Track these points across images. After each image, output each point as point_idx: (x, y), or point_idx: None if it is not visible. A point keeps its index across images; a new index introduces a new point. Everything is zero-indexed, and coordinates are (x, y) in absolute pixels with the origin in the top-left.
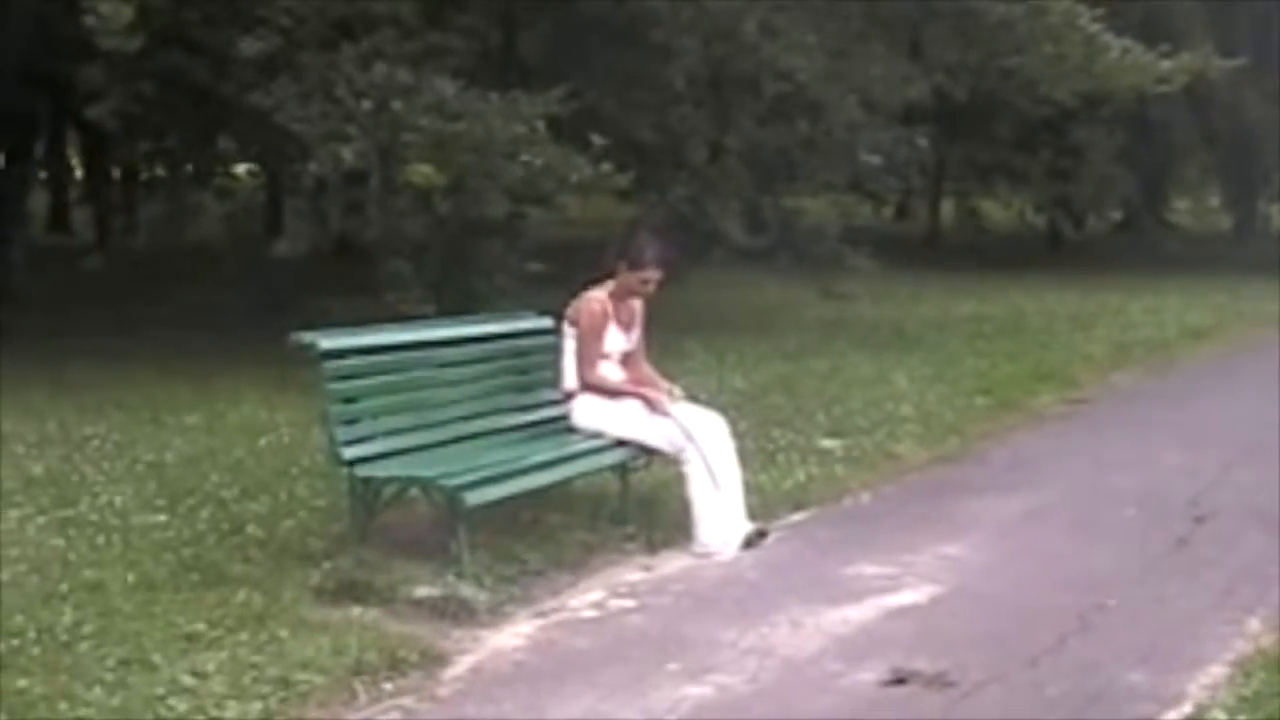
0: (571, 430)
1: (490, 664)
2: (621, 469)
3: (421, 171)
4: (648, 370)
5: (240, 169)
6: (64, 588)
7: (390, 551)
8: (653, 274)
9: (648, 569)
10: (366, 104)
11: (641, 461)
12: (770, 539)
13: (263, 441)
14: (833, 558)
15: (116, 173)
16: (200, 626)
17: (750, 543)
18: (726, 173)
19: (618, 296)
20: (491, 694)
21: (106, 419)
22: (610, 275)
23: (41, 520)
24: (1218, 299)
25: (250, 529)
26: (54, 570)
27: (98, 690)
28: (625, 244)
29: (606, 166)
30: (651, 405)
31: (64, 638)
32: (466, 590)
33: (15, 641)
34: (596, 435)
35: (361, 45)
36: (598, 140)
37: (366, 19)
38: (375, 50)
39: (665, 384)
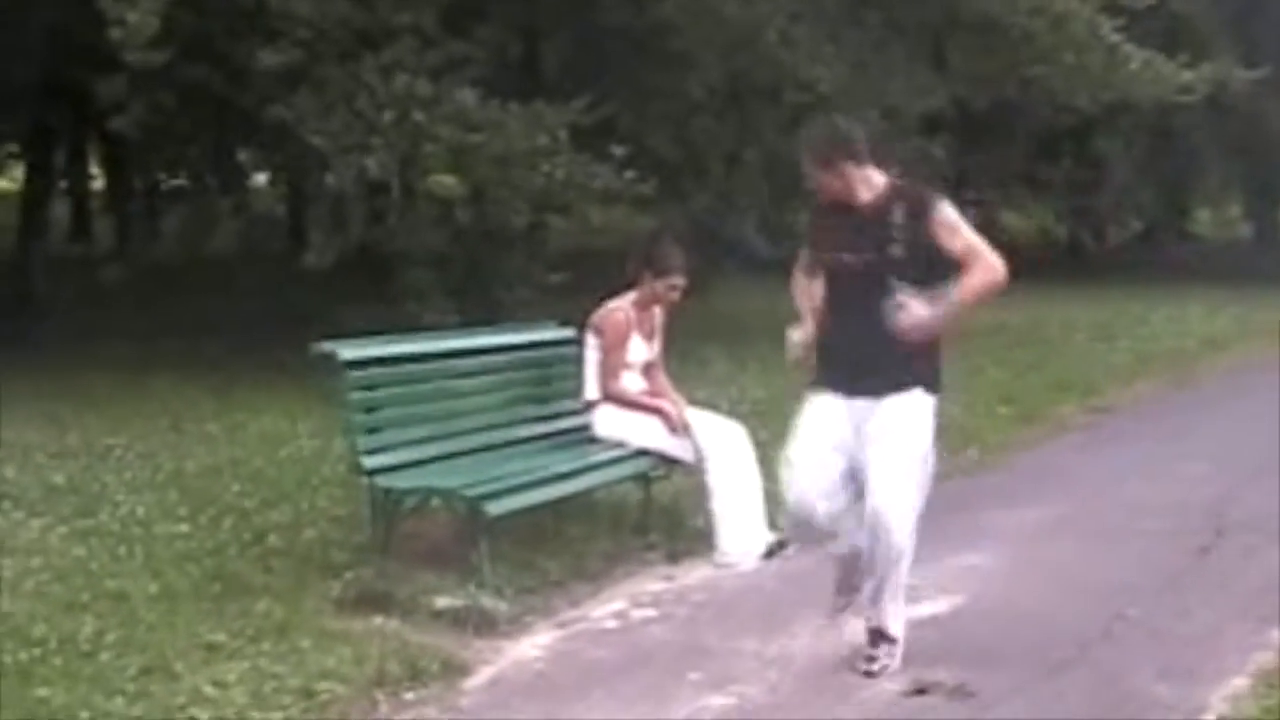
0: (593, 440)
1: (511, 674)
2: (643, 479)
3: (443, 182)
4: (665, 382)
5: (261, 179)
6: (86, 597)
7: (411, 562)
8: (679, 280)
9: (669, 579)
10: (388, 115)
11: (663, 472)
12: (791, 549)
13: (284, 451)
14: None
15: (138, 183)
16: (222, 636)
17: (771, 553)
18: (746, 183)
19: (641, 306)
20: (512, 704)
21: (128, 428)
22: (631, 285)
23: (63, 529)
24: (1239, 309)
25: (271, 539)
26: (76, 579)
27: (119, 700)
28: (650, 252)
29: (630, 175)
30: (671, 423)
31: (86, 647)
32: (487, 600)
33: (37, 650)
34: (618, 445)
35: (383, 56)
36: (618, 151)
37: (387, 30)
38: (396, 61)
39: (675, 396)
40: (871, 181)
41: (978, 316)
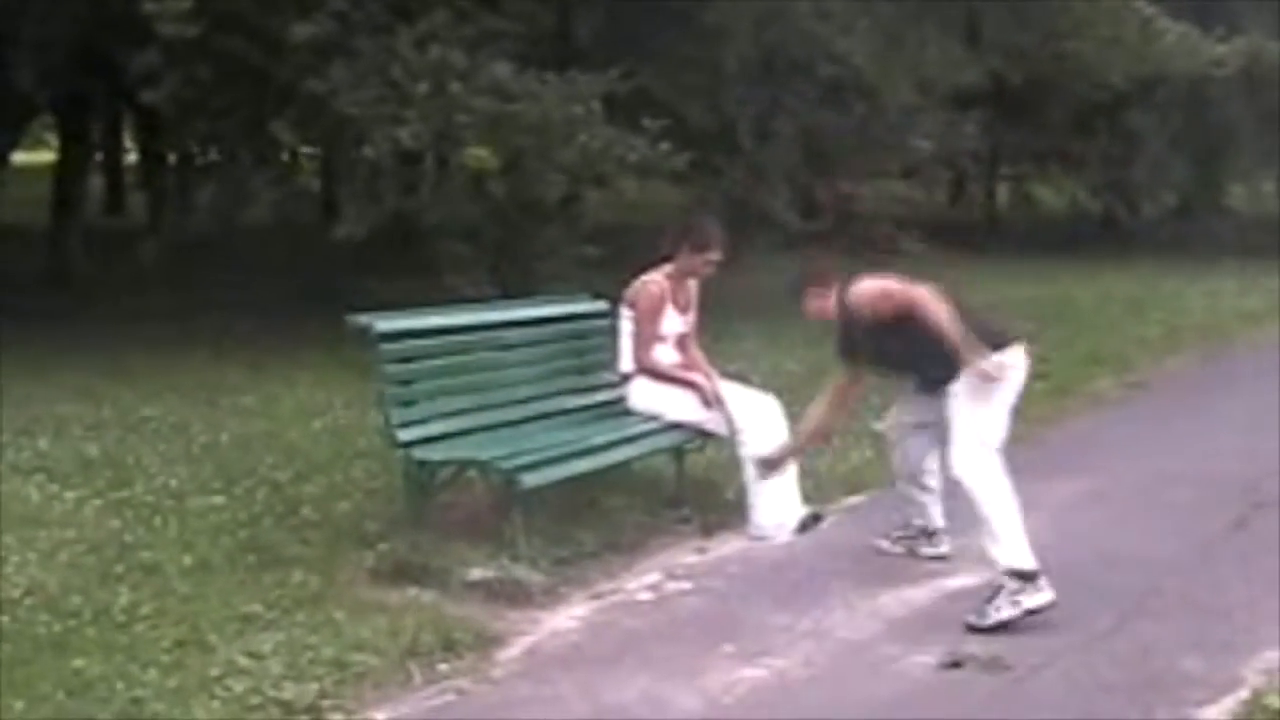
0: (628, 413)
1: (545, 646)
2: (677, 452)
3: (477, 154)
4: (698, 354)
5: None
6: (120, 569)
7: (446, 533)
8: (716, 256)
9: (703, 551)
10: (422, 87)
11: (697, 444)
12: (825, 522)
13: (318, 424)
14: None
15: (172, 157)
16: (256, 608)
17: (805, 526)
18: (779, 156)
19: (675, 279)
20: (547, 675)
21: (162, 401)
22: (667, 258)
23: (98, 502)
24: (1273, 283)
25: (306, 511)
26: (110, 551)
27: (154, 671)
28: (687, 226)
29: (665, 147)
30: (705, 397)
31: (121, 618)
32: (522, 572)
33: (72, 622)
34: (653, 418)
35: (417, 28)
36: (650, 123)
37: (422, 2)
38: (430, 33)
39: (709, 369)
40: None
41: (1011, 292)
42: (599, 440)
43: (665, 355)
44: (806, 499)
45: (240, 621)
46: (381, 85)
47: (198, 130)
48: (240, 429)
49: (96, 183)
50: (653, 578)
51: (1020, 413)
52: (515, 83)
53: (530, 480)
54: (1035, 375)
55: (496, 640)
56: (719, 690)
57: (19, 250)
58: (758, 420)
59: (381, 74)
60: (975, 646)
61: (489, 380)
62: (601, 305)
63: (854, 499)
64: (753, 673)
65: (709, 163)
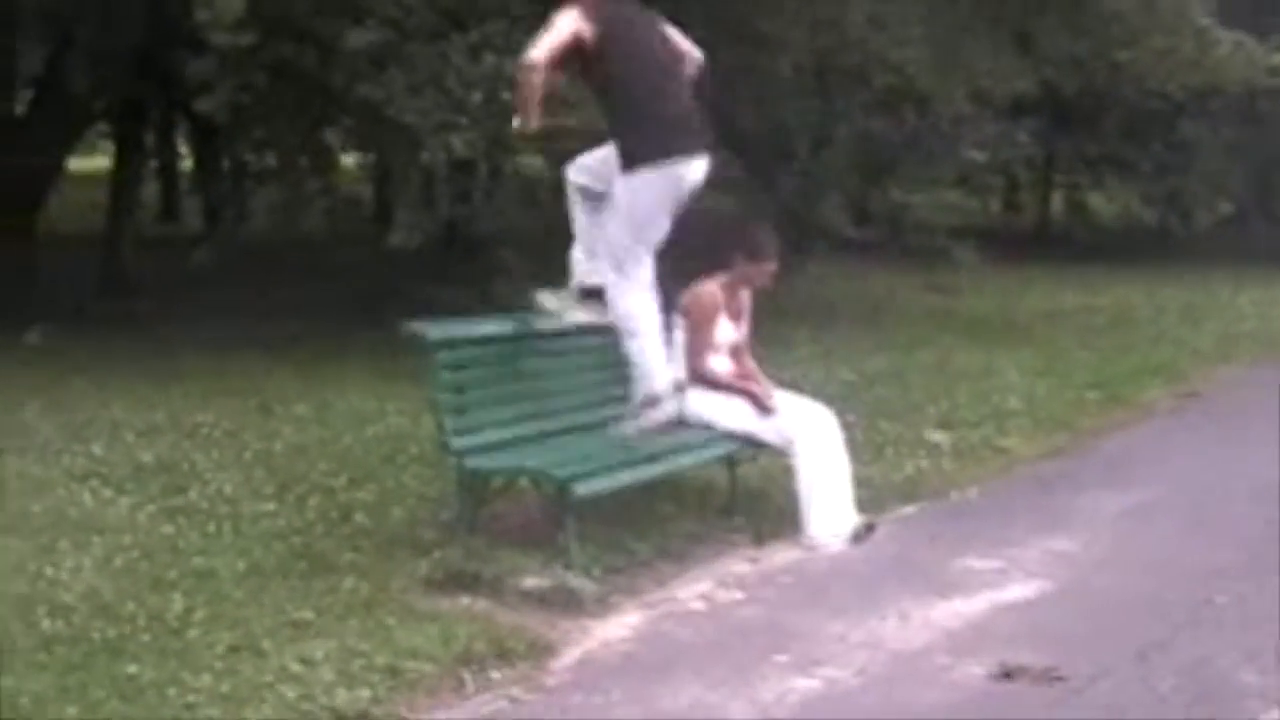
0: (681, 422)
1: (598, 655)
2: (730, 461)
3: (530, 163)
4: (751, 363)
5: (348, 160)
6: (174, 574)
7: (498, 541)
8: (771, 265)
9: (755, 561)
10: (476, 95)
11: (750, 453)
12: (878, 532)
13: (371, 430)
14: (941, 551)
15: (226, 163)
16: (309, 614)
17: (858, 536)
18: (832, 164)
19: (729, 288)
20: (599, 684)
21: (215, 407)
22: (721, 267)
23: (152, 508)
24: None
25: (358, 517)
26: (164, 557)
27: (207, 676)
28: (742, 235)
29: (719, 155)
30: (759, 404)
31: (174, 624)
32: (574, 580)
33: (126, 628)
34: (706, 427)
35: (471, 36)
36: None
37: (476, 10)
38: (485, 41)
39: (762, 378)
40: None
41: (1065, 301)
42: (652, 449)
43: (719, 364)
44: (860, 508)
45: (293, 628)
46: (436, 93)
47: (252, 137)
48: (294, 435)
49: (151, 189)
50: (705, 587)
51: (1072, 423)
52: (568, 91)
53: (583, 489)
54: (1088, 384)
55: (549, 649)
56: (771, 700)
57: (74, 256)
58: (812, 430)
59: (436, 82)
60: (1029, 657)
61: (542, 388)
62: None
63: (908, 508)
64: (805, 683)
65: (762, 171)
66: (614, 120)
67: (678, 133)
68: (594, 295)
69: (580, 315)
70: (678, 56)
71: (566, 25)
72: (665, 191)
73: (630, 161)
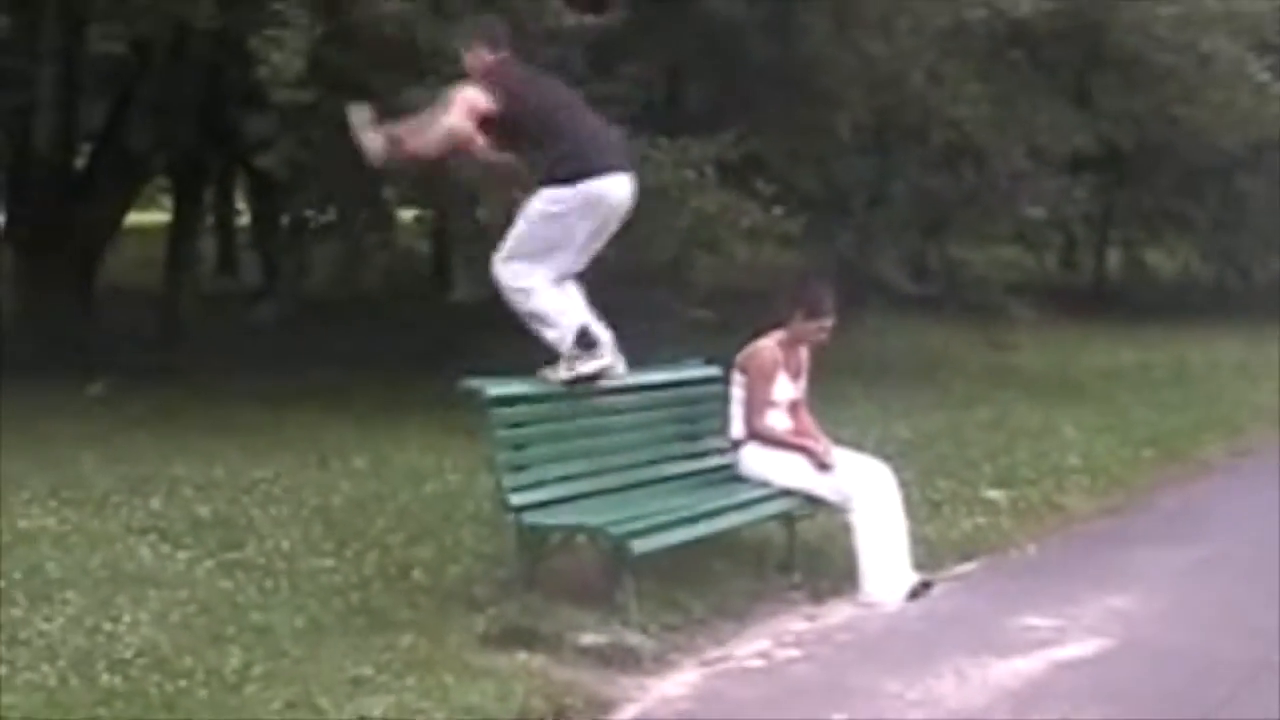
0: (738, 479)
1: (656, 713)
2: (787, 518)
3: None
4: (809, 421)
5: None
6: (231, 630)
7: (556, 598)
8: (829, 322)
9: (812, 619)
10: None
11: (808, 511)
12: (936, 590)
13: (428, 487)
14: (999, 609)
15: (284, 218)
16: (367, 670)
17: (915, 594)
18: (890, 220)
19: (788, 345)
20: None
21: (273, 462)
22: (779, 324)
23: (209, 563)
24: None
25: (416, 574)
26: (221, 612)
27: None
28: (801, 292)
29: (778, 211)
30: (817, 461)
31: (232, 679)
32: (632, 638)
33: (183, 682)
34: (763, 484)
35: None
36: (763, 187)
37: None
38: None
39: (820, 435)
40: None
41: (1123, 357)
42: (709, 506)
43: (778, 421)
44: (917, 566)
45: (350, 684)
46: None
47: (311, 193)
48: (352, 490)
49: (208, 243)
50: (762, 645)
51: (1128, 480)
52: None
53: (641, 546)
54: (1145, 441)
55: (607, 706)
56: None
57: (132, 310)
58: (869, 487)
59: None
60: (1090, 714)
61: (600, 446)
62: (713, 371)
63: (965, 566)
64: None
65: (820, 226)
66: (539, 156)
67: (593, 152)
68: (584, 337)
69: (589, 366)
70: (578, 97)
71: (467, 95)
72: (583, 209)
73: (548, 180)
